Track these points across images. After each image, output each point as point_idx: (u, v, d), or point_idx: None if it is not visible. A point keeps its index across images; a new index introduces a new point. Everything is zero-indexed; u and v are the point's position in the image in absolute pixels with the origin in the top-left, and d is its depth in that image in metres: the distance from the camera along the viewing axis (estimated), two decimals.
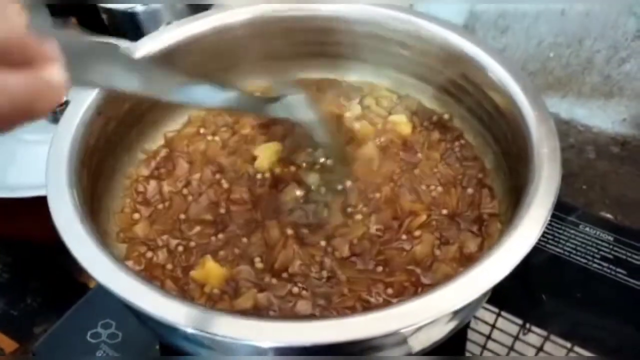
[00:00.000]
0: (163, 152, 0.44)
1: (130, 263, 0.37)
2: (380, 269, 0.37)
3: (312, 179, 0.41)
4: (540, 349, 0.42)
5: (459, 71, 0.43)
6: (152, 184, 0.42)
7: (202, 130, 0.46)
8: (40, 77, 0.19)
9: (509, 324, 0.44)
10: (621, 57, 0.58)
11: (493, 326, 0.44)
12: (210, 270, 0.36)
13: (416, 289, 0.36)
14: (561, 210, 0.51)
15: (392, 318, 0.26)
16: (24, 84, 0.18)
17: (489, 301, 0.42)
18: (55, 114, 0.50)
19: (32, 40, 0.18)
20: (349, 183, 0.41)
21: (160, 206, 0.41)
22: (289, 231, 0.38)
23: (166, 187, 0.42)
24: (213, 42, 0.45)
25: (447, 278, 0.30)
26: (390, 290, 0.36)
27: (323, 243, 0.38)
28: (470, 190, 0.41)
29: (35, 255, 0.52)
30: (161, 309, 0.27)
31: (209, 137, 0.45)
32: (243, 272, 0.37)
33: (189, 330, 0.26)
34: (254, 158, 0.43)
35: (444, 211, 0.40)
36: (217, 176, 0.42)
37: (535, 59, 0.63)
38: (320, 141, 0.40)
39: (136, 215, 0.40)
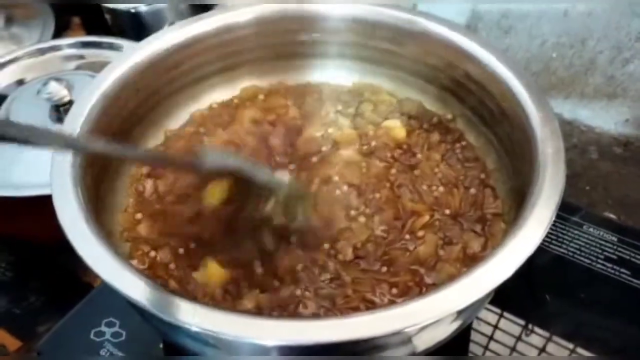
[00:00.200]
0: (161, 149, 0.44)
1: (134, 262, 0.37)
2: (384, 269, 0.37)
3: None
4: (542, 350, 0.42)
5: (463, 71, 0.43)
6: (149, 182, 0.42)
7: (201, 130, 0.46)
8: None
9: (511, 324, 0.44)
10: (624, 58, 0.58)
11: (495, 327, 0.44)
12: (213, 272, 0.36)
13: (420, 289, 0.36)
14: (565, 211, 0.50)
15: (396, 317, 0.26)
16: None
17: (492, 302, 0.42)
18: (59, 113, 0.51)
19: None
20: (344, 188, 0.41)
21: (157, 206, 0.41)
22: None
23: (161, 187, 0.42)
24: (216, 42, 0.46)
25: (451, 278, 0.30)
26: (395, 290, 0.36)
27: (326, 246, 0.38)
28: (472, 191, 0.41)
29: (39, 254, 0.52)
30: (165, 307, 0.27)
31: (205, 138, 0.45)
32: (245, 275, 0.36)
33: (193, 329, 0.26)
34: None
35: (447, 211, 0.40)
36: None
37: (538, 60, 0.63)
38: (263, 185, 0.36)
39: (138, 215, 0.40)
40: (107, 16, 0.64)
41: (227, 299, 0.35)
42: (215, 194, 0.38)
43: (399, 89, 0.48)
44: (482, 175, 0.42)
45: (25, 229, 0.50)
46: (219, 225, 0.39)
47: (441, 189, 0.41)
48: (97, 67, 0.46)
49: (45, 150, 0.26)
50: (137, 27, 0.62)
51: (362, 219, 0.39)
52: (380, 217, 0.39)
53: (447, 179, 0.42)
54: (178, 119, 0.47)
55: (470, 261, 0.37)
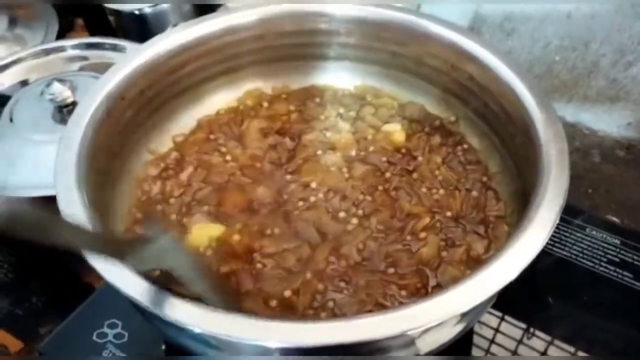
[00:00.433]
0: (173, 155, 0.45)
1: None
2: (392, 270, 0.37)
3: None
4: (544, 353, 0.42)
5: (466, 73, 0.43)
6: (158, 184, 0.42)
7: (211, 136, 0.46)
8: None
9: (513, 328, 0.44)
10: (627, 61, 0.58)
11: (497, 330, 0.44)
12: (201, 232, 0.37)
13: (426, 291, 0.36)
14: (568, 214, 0.50)
15: (399, 319, 0.26)
16: None
17: (494, 305, 0.42)
18: (63, 114, 0.51)
19: None
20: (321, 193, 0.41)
21: (159, 207, 0.41)
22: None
23: (169, 188, 0.42)
24: (220, 44, 0.46)
25: (455, 280, 0.30)
26: (404, 292, 0.36)
27: (332, 259, 0.38)
28: (474, 193, 0.41)
29: (41, 255, 0.52)
30: (168, 308, 0.27)
31: (223, 149, 0.45)
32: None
33: (196, 330, 0.26)
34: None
35: (448, 213, 0.40)
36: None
37: (541, 62, 0.63)
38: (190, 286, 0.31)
39: (139, 215, 0.40)
40: (111, 17, 0.64)
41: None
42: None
43: (402, 91, 0.48)
44: (484, 178, 0.42)
45: None
46: None
47: (442, 191, 0.41)
48: (101, 69, 0.46)
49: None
50: (140, 29, 0.62)
51: (354, 220, 0.40)
52: (376, 218, 0.40)
53: (448, 182, 0.42)
54: (182, 122, 0.47)
55: (474, 263, 0.37)
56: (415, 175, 0.43)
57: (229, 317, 0.27)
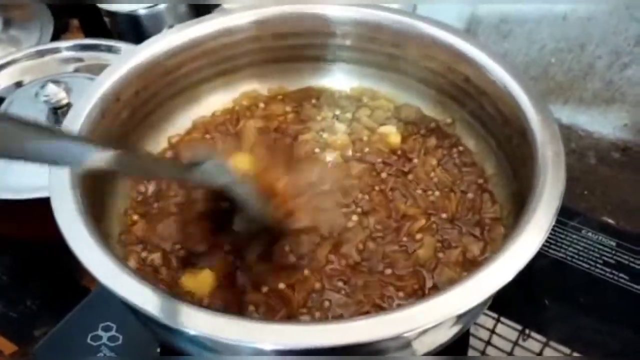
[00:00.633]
0: (168, 155, 0.44)
1: (129, 263, 0.37)
2: (389, 271, 0.37)
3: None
4: (539, 354, 0.42)
5: (462, 75, 0.43)
6: (153, 183, 0.42)
7: (207, 136, 0.46)
8: None
9: (508, 329, 0.44)
10: (623, 63, 0.58)
11: (492, 331, 0.44)
12: (204, 279, 0.36)
13: (423, 292, 0.36)
14: (563, 215, 0.51)
15: (395, 321, 0.26)
16: None
17: (489, 306, 0.42)
18: (57, 116, 0.50)
19: None
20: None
21: (155, 205, 0.41)
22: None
23: (164, 187, 0.42)
24: (215, 45, 0.46)
25: (451, 282, 0.30)
26: (401, 294, 0.36)
27: (333, 257, 0.38)
28: (470, 195, 0.41)
29: (36, 258, 0.52)
30: (164, 311, 0.27)
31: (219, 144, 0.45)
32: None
33: (192, 333, 0.26)
34: None
35: (444, 215, 0.40)
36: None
37: (536, 64, 0.63)
38: (246, 207, 0.35)
39: (135, 217, 0.40)
40: (106, 19, 0.64)
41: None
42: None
43: (398, 93, 0.48)
44: (480, 180, 0.42)
45: (22, 232, 0.50)
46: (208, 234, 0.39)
47: (437, 193, 0.41)
48: (96, 70, 0.46)
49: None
50: (136, 30, 0.62)
51: (355, 217, 0.40)
52: (374, 217, 0.40)
53: (444, 184, 0.42)
54: (178, 123, 0.47)
55: (470, 265, 0.37)
56: (410, 176, 0.43)
57: (224, 319, 0.27)
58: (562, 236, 0.50)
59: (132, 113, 0.42)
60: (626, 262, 0.48)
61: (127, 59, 0.42)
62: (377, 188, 0.42)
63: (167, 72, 0.44)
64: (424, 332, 0.27)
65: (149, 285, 0.28)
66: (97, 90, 0.39)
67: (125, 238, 0.39)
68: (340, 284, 0.36)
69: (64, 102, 0.50)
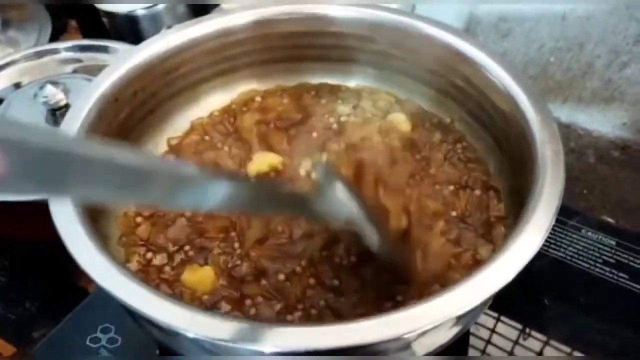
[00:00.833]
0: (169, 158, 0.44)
1: (130, 265, 0.37)
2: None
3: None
4: (540, 353, 0.42)
5: (461, 74, 0.42)
6: None
7: (206, 138, 0.46)
8: None
9: (509, 328, 0.44)
10: (622, 62, 0.58)
11: (493, 331, 0.44)
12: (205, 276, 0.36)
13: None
14: (563, 215, 0.50)
15: (395, 323, 0.26)
16: None
17: (490, 306, 0.42)
18: (56, 117, 0.50)
19: None
20: None
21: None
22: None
23: None
24: (214, 45, 0.45)
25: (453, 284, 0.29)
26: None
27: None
28: (477, 192, 0.41)
29: (34, 259, 0.51)
30: (163, 313, 0.27)
31: (219, 145, 0.45)
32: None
33: (190, 335, 0.26)
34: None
35: (454, 213, 0.40)
36: None
37: (535, 63, 0.63)
38: (369, 243, 0.31)
39: (139, 219, 0.40)
40: (104, 19, 0.64)
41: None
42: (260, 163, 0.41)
43: (397, 92, 0.48)
44: (485, 177, 0.42)
45: (21, 233, 0.49)
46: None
47: (451, 187, 0.41)
48: (95, 71, 0.46)
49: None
50: (134, 31, 0.62)
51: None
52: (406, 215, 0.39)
53: (453, 179, 0.42)
54: (176, 124, 0.46)
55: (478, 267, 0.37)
56: (424, 165, 0.42)
57: (223, 321, 0.26)
58: (562, 235, 0.50)
59: (131, 114, 0.42)
60: (626, 261, 0.48)
61: (126, 60, 0.41)
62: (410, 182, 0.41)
63: (166, 73, 0.44)
64: (424, 333, 0.27)
65: (147, 287, 0.28)
66: (95, 91, 0.39)
67: (127, 240, 0.39)
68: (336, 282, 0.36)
69: (63, 103, 0.50)
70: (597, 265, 0.47)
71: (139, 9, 0.61)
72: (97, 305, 0.43)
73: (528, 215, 0.30)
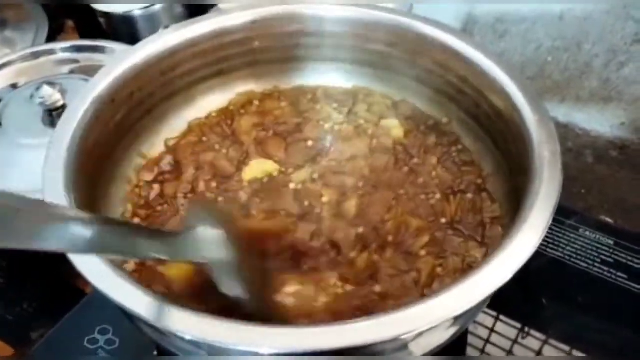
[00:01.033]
0: (167, 159, 0.44)
1: (125, 266, 0.37)
2: (377, 288, 0.36)
3: None
4: (539, 352, 0.42)
5: (458, 74, 0.42)
6: (156, 188, 0.42)
7: (204, 139, 0.46)
8: None
9: (507, 327, 0.44)
10: (620, 62, 0.59)
11: (492, 330, 0.44)
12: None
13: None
14: (561, 214, 0.50)
15: (393, 324, 0.26)
16: None
17: (488, 305, 0.42)
18: (52, 118, 0.50)
19: None
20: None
21: (159, 208, 0.41)
22: None
23: (169, 190, 0.42)
24: (211, 45, 0.45)
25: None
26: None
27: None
28: (469, 195, 0.41)
29: (32, 260, 0.51)
30: (159, 315, 0.27)
31: (217, 147, 0.45)
32: None
33: (187, 337, 0.26)
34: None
35: (443, 220, 0.39)
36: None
37: (533, 63, 0.63)
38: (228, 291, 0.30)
39: (136, 220, 0.40)
40: (101, 20, 0.63)
41: None
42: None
43: (394, 92, 0.48)
44: (479, 180, 0.42)
45: None
46: None
47: (438, 196, 0.41)
48: (91, 71, 0.46)
49: None
50: (131, 31, 0.62)
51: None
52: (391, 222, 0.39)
53: (445, 184, 0.42)
54: (173, 124, 0.46)
55: (470, 270, 0.37)
56: (413, 177, 0.42)
57: (220, 324, 0.26)
58: (560, 235, 0.50)
59: (128, 114, 0.42)
60: (624, 260, 0.48)
61: (123, 60, 0.41)
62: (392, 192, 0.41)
63: (163, 73, 0.44)
64: (421, 333, 0.27)
65: (143, 289, 0.28)
66: (92, 92, 0.39)
67: None
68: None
69: (59, 103, 0.50)
70: (596, 264, 0.48)
71: (136, 10, 0.61)
72: (95, 306, 0.43)
73: (525, 215, 0.30)
